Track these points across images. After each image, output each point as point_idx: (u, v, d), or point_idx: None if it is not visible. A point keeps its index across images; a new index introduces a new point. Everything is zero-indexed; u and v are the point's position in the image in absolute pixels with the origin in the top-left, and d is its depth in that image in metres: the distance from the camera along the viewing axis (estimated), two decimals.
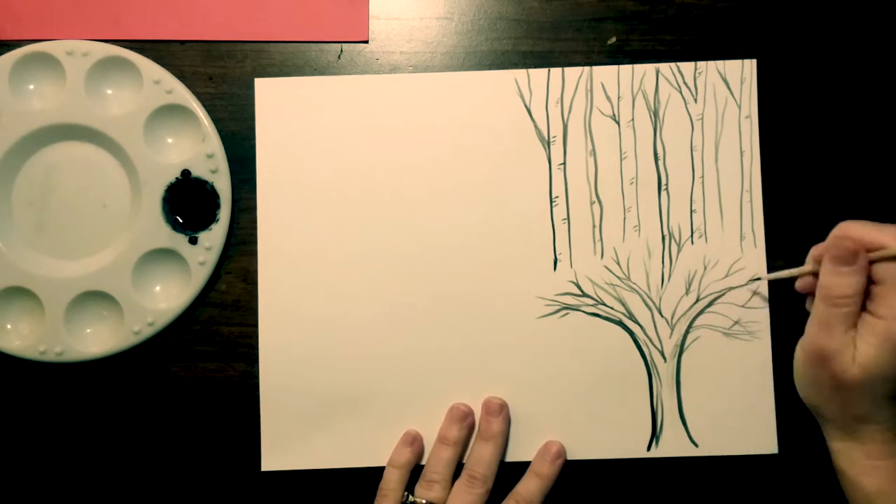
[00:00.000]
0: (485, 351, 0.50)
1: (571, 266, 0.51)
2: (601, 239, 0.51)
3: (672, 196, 0.51)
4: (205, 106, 0.50)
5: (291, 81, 0.51)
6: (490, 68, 0.51)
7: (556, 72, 0.51)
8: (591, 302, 0.50)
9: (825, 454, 0.50)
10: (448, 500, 0.48)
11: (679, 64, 0.51)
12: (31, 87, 0.50)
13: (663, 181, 0.51)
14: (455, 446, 0.49)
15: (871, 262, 0.41)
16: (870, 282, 0.41)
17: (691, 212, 0.51)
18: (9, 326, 0.50)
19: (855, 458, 0.41)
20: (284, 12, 0.51)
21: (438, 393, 0.50)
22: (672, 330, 0.50)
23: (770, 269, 0.50)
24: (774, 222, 0.51)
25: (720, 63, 0.51)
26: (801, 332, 0.51)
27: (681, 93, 0.51)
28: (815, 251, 0.44)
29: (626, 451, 0.50)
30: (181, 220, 0.50)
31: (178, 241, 0.49)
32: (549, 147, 0.51)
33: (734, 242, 0.51)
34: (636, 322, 0.50)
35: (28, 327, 0.50)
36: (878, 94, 0.51)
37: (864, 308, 0.41)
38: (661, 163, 0.51)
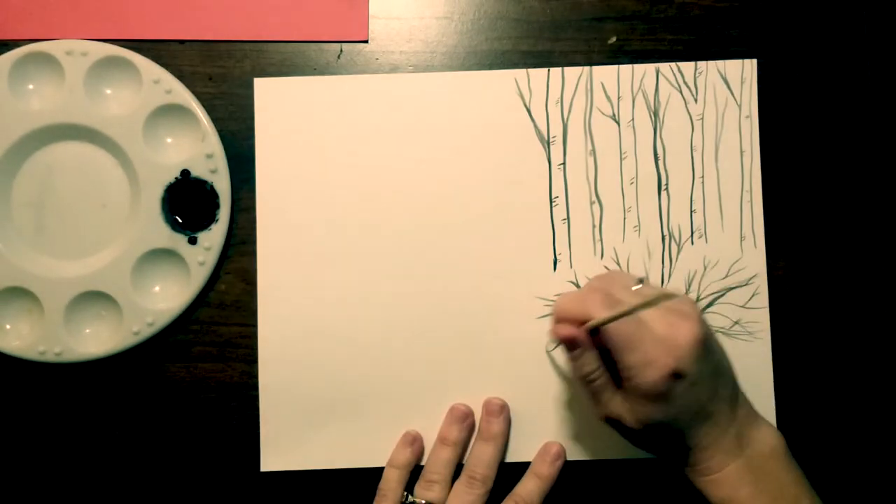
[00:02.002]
0: (485, 351, 0.50)
1: (571, 266, 0.51)
2: (601, 239, 0.51)
3: (672, 196, 0.51)
4: (204, 106, 0.50)
5: (291, 81, 0.51)
6: (490, 68, 0.51)
7: (555, 72, 0.51)
8: None
9: (825, 454, 0.50)
10: (448, 500, 0.48)
11: (679, 64, 0.51)
12: (31, 86, 0.50)
13: (663, 181, 0.51)
14: (455, 447, 0.49)
15: (594, 333, 0.42)
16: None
17: (691, 212, 0.51)
18: (8, 327, 0.49)
19: (696, 477, 0.43)
20: (284, 12, 0.51)
21: (438, 393, 0.50)
22: None
23: (770, 269, 0.50)
24: (774, 222, 0.51)
25: (720, 63, 0.51)
26: (801, 333, 0.51)
27: (681, 93, 0.51)
28: (550, 330, 0.45)
29: (626, 452, 0.50)
30: (180, 220, 0.49)
31: (178, 241, 0.49)
32: (548, 147, 0.51)
33: (734, 243, 0.51)
34: None
35: (27, 327, 0.50)
36: (878, 94, 0.51)
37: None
38: (661, 163, 0.51)
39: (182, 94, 0.49)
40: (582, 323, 0.42)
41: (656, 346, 0.40)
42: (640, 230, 0.51)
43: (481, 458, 0.48)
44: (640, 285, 0.42)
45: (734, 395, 0.43)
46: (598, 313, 0.41)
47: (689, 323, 0.40)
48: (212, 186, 0.49)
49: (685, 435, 0.42)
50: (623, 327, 0.40)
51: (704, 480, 0.42)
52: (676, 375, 0.39)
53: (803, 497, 0.42)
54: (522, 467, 0.50)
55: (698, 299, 0.50)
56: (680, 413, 0.41)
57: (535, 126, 0.51)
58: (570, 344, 0.43)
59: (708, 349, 0.41)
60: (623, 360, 0.41)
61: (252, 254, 0.50)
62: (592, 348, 0.42)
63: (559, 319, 0.43)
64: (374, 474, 0.49)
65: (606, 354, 0.42)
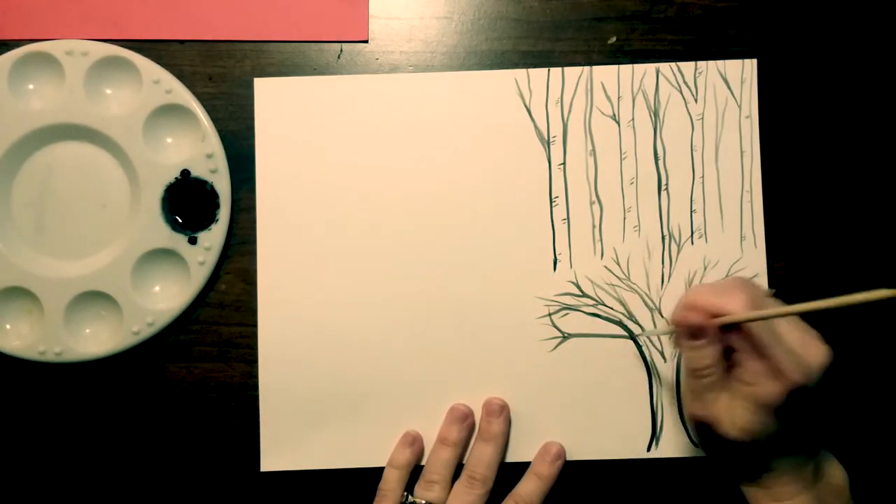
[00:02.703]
0: (485, 351, 0.50)
1: (571, 266, 0.51)
2: (601, 239, 0.51)
3: (672, 196, 0.51)
4: (204, 106, 0.50)
5: (291, 81, 0.51)
6: (490, 68, 0.51)
7: (556, 71, 0.51)
8: (591, 302, 0.50)
9: None
10: (448, 500, 0.48)
11: (679, 64, 0.51)
12: (31, 86, 0.50)
13: (663, 181, 0.51)
14: (455, 447, 0.49)
15: (724, 330, 0.41)
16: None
17: (691, 212, 0.51)
18: (8, 326, 0.49)
19: (761, 500, 0.42)
20: (284, 12, 0.51)
21: (438, 393, 0.50)
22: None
23: (770, 269, 0.50)
24: (774, 222, 0.51)
25: (721, 63, 0.51)
26: None
27: (681, 93, 0.51)
28: (674, 316, 0.44)
29: (626, 452, 0.50)
30: (180, 220, 0.49)
31: (178, 241, 0.49)
32: (548, 147, 0.51)
33: (734, 243, 0.50)
34: (636, 322, 0.50)
35: (27, 327, 0.50)
36: (878, 94, 0.51)
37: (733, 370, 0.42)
38: (661, 163, 0.51)
39: (182, 94, 0.49)
40: (713, 316, 0.41)
41: (788, 358, 0.39)
42: (640, 230, 0.51)
43: (481, 459, 0.48)
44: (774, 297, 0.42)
45: (822, 429, 0.44)
46: (738, 310, 0.40)
47: (821, 345, 0.40)
48: (212, 186, 0.49)
49: (772, 455, 0.41)
50: (761, 331, 0.39)
51: None
52: (797, 393, 0.39)
53: None
54: (522, 467, 0.50)
55: None
56: (782, 432, 0.40)
57: (535, 126, 0.51)
58: (695, 333, 0.41)
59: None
60: (750, 364, 0.40)
61: (252, 254, 0.50)
62: (718, 343, 0.41)
63: (690, 307, 0.42)
64: (374, 474, 0.49)
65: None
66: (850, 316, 0.51)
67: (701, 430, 0.43)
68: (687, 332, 0.42)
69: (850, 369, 0.50)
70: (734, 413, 0.41)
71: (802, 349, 0.40)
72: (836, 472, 0.43)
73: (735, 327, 0.40)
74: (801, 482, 0.42)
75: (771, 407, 0.39)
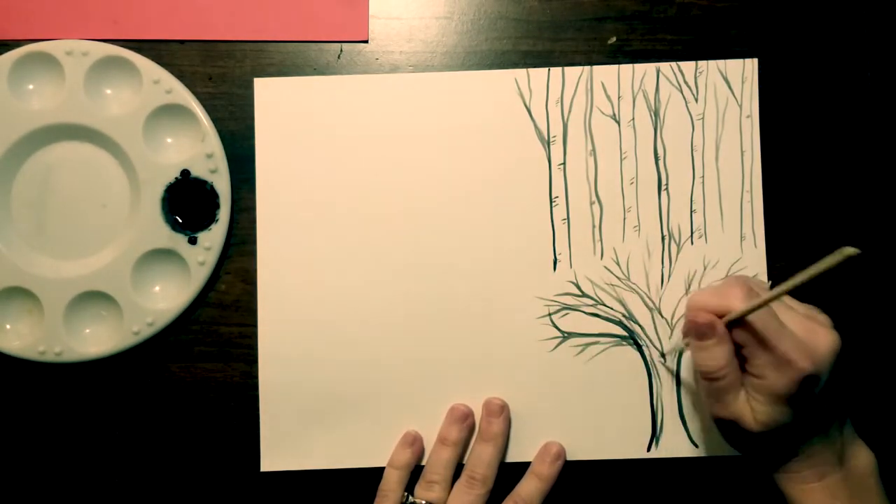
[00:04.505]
0: (485, 351, 0.50)
1: (571, 266, 0.50)
2: (601, 239, 0.51)
3: (672, 196, 0.51)
4: (204, 106, 0.50)
5: (291, 81, 0.51)
6: (490, 68, 0.51)
7: (556, 71, 0.51)
8: (591, 302, 0.50)
9: None
10: (448, 500, 0.48)
11: (680, 63, 0.51)
12: (31, 86, 0.50)
13: (663, 181, 0.51)
14: (455, 447, 0.49)
15: (731, 327, 0.42)
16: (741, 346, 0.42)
17: (691, 212, 0.51)
18: (8, 327, 0.49)
19: (793, 485, 0.43)
20: (284, 12, 0.51)
21: (438, 393, 0.50)
22: (672, 330, 0.50)
23: (770, 269, 0.50)
24: (774, 222, 0.51)
25: (721, 62, 0.51)
26: None
27: (681, 92, 0.51)
28: (683, 329, 0.45)
29: (625, 452, 0.50)
30: (180, 220, 0.49)
31: (178, 241, 0.49)
32: (549, 147, 0.51)
33: (734, 243, 0.50)
34: (636, 322, 0.50)
35: (27, 327, 0.50)
36: (879, 94, 0.51)
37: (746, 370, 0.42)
38: (661, 163, 0.51)
39: (182, 94, 0.49)
40: (719, 316, 0.42)
41: (795, 347, 0.40)
42: (639, 230, 0.51)
43: (481, 459, 0.48)
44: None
45: (842, 411, 0.44)
46: (738, 305, 0.41)
47: (828, 331, 0.41)
48: (212, 186, 0.49)
49: (798, 441, 0.42)
50: (764, 323, 0.40)
51: (801, 489, 0.43)
52: (810, 380, 0.40)
53: None
54: (522, 467, 0.50)
55: None
56: (802, 419, 0.41)
57: (535, 126, 0.51)
58: (703, 333, 0.42)
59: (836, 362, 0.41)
60: (758, 357, 0.40)
61: (252, 254, 0.50)
62: (727, 342, 0.42)
63: (694, 309, 0.43)
64: (375, 474, 0.49)
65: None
66: (861, 301, 0.51)
67: (726, 429, 0.44)
68: (696, 334, 0.42)
69: (866, 355, 0.50)
70: (752, 408, 0.41)
71: (809, 337, 0.40)
72: (862, 454, 0.44)
73: (739, 323, 0.41)
74: (828, 464, 0.42)
75: (783, 397, 0.40)
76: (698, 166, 0.51)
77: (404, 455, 0.49)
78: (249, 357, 0.50)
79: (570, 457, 0.50)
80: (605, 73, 0.51)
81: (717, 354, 0.42)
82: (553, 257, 0.51)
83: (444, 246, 0.50)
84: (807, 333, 0.41)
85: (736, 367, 0.42)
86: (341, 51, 0.51)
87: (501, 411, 0.49)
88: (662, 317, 0.50)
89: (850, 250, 0.35)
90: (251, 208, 0.50)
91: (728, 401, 0.42)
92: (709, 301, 0.43)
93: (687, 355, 0.50)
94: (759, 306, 0.40)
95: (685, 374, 0.50)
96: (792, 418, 0.41)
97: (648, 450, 0.50)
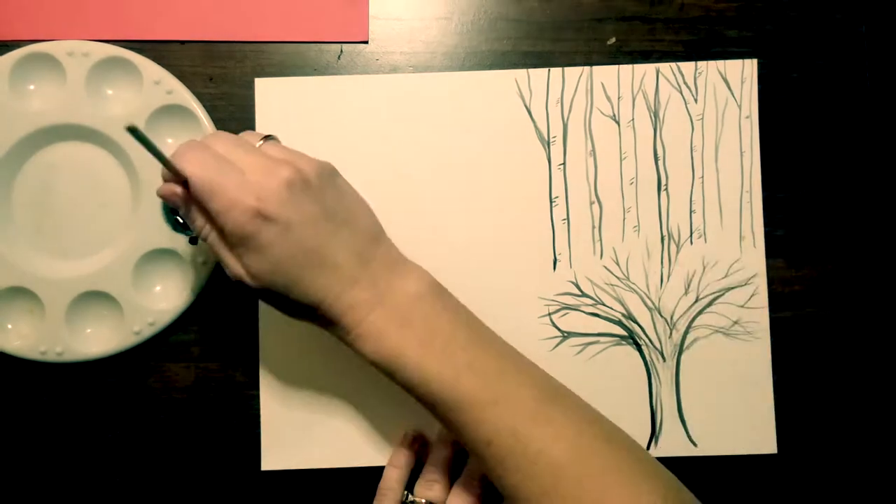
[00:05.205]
0: None
1: (571, 266, 0.51)
2: (601, 239, 0.51)
3: (672, 196, 0.51)
4: (205, 106, 0.50)
5: (291, 81, 0.51)
6: (490, 69, 0.51)
7: (556, 72, 0.51)
8: (591, 302, 0.51)
9: (825, 454, 0.50)
10: (448, 499, 0.48)
11: (679, 64, 0.51)
12: (32, 87, 0.50)
13: (663, 181, 0.51)
14: (455, 446, 0.49)
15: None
16: None
17: (691, 212, 0.51)
18: (9, 326, 0.50)
19: (346, 340, 0.41)
20: (284, 13, 0.51)
21: None
22: (671, 330, 0.50)
23: (769, 269, 0.50)
24: (774, 223, 0.51)
25: (720, 63, 0.51)
26: (800, 332, 0.51)
27: (681, 93, 0.51)
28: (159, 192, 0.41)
29: None
30: (181, 220, 0.50)
31: (179, 241, 0.49)
32: (549, 147, 0.51)
33: (733, 243, 0.51)
34: (635, 322, 0.51)
35: (28, 327, 0.50)
36: (878, 95, 0.51)
37: None
38: (660, 163, 0.51)
39: (183, 95, 0.49)
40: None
41: (242, 189, 0.38)
42: (639, 230, 0.51)
43: None
44: (266, 142, 0.41)
45: (367, 247, 0.41)
46: (190, 168, 0.38)
47: (284, 167, 0.38)
48: None
49: (302, 288, 0.39)
50: (205, 173, 0.38)
51: (350, 339, 0.41)
52: (263, 218, 0.38)
53: (458, 332, 0.41)
54: None
55: (697, 299, 0.50)
56: (282, 260, 0.38)
57: (536, 126, 0.51)
58: (176, 204, 0.40)
59: (310, 194, 0.39)
60: (209, 208, 0.38)
61: None
62: (192, 201, 0.39)
63: (167, 179, 0.40)
64: (375, 474, 0.49)
65: None
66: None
67: (251, 296, 0.42)
68: (171, 205, 0.41)
69: (867, 355, 0.51)
70: (240, 263, 0.39)
71: (262, 178, 0.38)
72: (408, 282, 0.41)
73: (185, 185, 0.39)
74: (361, 304, 0.40)
75: (244, 236, 0.38)
76: (698, 167, 0.51)
77: (404, 454, 0.49)
78: (250, 357, 0.50)
79: None
80: (605, 74, 0.51)
81: (193, 216, 0.40)
82: (553, 257, 0.51)
83: (444, 246, 0.50)
84: (262, 175, 0.38)
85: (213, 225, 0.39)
86: (341, 51, 0.51)
87: None
88: (662, 316, 0.51)
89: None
90: None
91: (225, 259, 0.39)
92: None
93: (687, 355, 0.50)
94: (161, 160, 0.38)
95: (684, 374, 0.50)
96: (269, 260, 0.38)
97: (648, 449, 0.50)
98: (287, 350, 0.50)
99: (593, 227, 0.51)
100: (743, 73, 0.51)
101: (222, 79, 0.51)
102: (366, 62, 0.51)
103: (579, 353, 0.50)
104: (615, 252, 0.51)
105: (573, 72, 0.51)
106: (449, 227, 0.50)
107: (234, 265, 0.39)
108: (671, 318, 0.50)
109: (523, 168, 0.51)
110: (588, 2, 0.51)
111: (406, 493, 0.48)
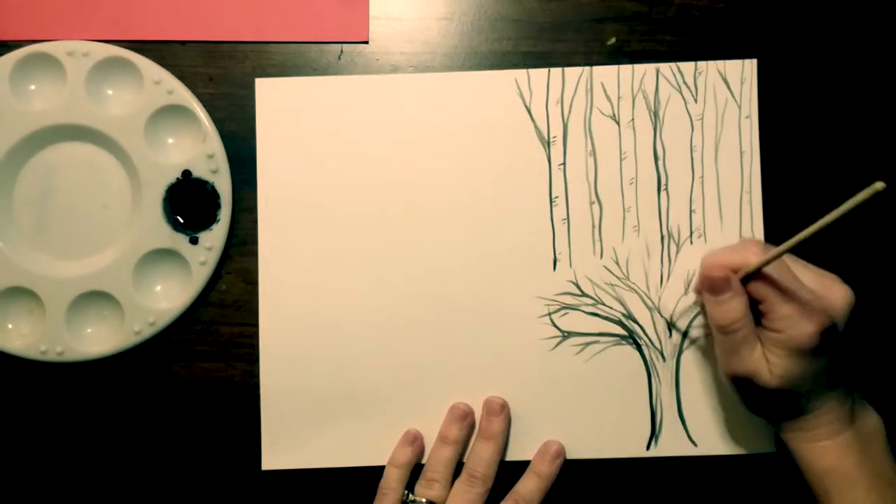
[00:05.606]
0: (485, 351, 0.50)
1: (571, 266, 0.51)
2: (600, 239, 0.51)
3: (672, 196, 0.51)
4: (205, 106, 0.50)
5: (292, 82, 0.51)
6: (490, 69, 0.51)
7: (556, 72, 0.51)
8: (591, 302, 0.51)
9: None
10: (448, 499, 0.48)
11: (679, 64, 0.51)
12: (32, 87, 0.50)
13: (663, 181, 0.51)
14: (455, 445, 0.49)
15: (745, 282, 0.43)
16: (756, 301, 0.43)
17: (691, 212, 0.51)
18: (10, 326, 0.50)
19: (804, 443, 0.44)
20: (284, 13, 0.51)
21: (439, 392, 0.50)
22: (671, 330, 0.51)
23: None
24: (774, 223, 0.51)
25: (720, 63, 0.51)
26: None
27: (681, 93, 0.51)
28: (695, 286, 0.45)
29: (625, 451, 0.50)
30: (182, 221, 0.50)
31: (179, 241, 0.50)
32: (549, 147, 0.51)
33: (733, 242, 0.50)
34: (635, 322, 0.51)
35: (29, 327, 0.50)
36: (878, 95, 0.51)
37: (762, 323, 0.43)
38: (660, 163, 0.51)
39: (183, 95, 0.49)
40: (734, 272, 0.42)
41: (813, 300, 0.40)
42: (639, 230, 0.51)
43: (481, 457, 0.48)
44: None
45: (852, 371, 0.44)
46: (754, 259, 0.41)
47: (843, 286, 0.42)
48: (213, 187, 0.49)
49: (812, 398, 0.42)
50: (781, 276, 0.41)
51: (812, 447, 0.43)
52: (829, 332, 0.40)
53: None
54: (522, 466, 0.50)
55: (697, 299, 0.50)
56: (819, 373, 0.41)
57: (535, 126, 0.51)
58: (718, 287, 0.43)
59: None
60: (778, 310, 0.41)
61: (253, 254, 0.50)
62: (743, 295, 0.42)
63: (708, 266, 0.44)
64: (375, 473, 0.49)
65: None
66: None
67: (741, 387, 0.44)
68: (711, 289, 0.43)
69: (866, 355, 0.51)
70: (770, 362, 0.42)
71: (825, 290, 0.41)
72: (872, 415, 0.44)
73: (755, 277, 0.42)
74: (841, 422, 0.43)
75: (805, 350, 0.41)
76: (697, 166, 0.51)
77: (405, 453, 0.49)
78: (250, 356, 0.50)
79: (570, 455, 0.50)
80: (605, 74, 0.51)
81: (734, 307, 0.42)
82: (553, 257, 0.51)
83: (444, 246, 0.50)
84: (823, 288, 0.42)
85: (751, 321, 0.42)
86: (342, 51, 0.51)
87: (501, 410, 0.49)
88: (662, 316, 0.51)
89: (879, 185, 0.35)
90: (252, 208, 0.51)
91: (744, 355, 0.42)
92: (723, 257, 0.43)
93: (687, 355, 0.50)
94: (779, 255, 0.40)
95: (684, 373, 0.50)
96: (811, 371, 0.41)
97: (648, 448, 0.50)
98: (288, 349, 0.50)
99: (593, 226, 0.51)
100: (743, 73, 0.51)
101: (222, 79, 0.51)
102: (366, 62, 0.51)
103: (579, 352, 0.50)
104: (615, 252, 0.51)
105: (573, 72, 0.51)
106: (449, 226, 0.50)
107: (753, 363, 0.42)
108: (671, 317, 0.51)
109: (523, 168, 0.51)
110: (588, 2, 0.51)
111: (406, 492, 0.48)
